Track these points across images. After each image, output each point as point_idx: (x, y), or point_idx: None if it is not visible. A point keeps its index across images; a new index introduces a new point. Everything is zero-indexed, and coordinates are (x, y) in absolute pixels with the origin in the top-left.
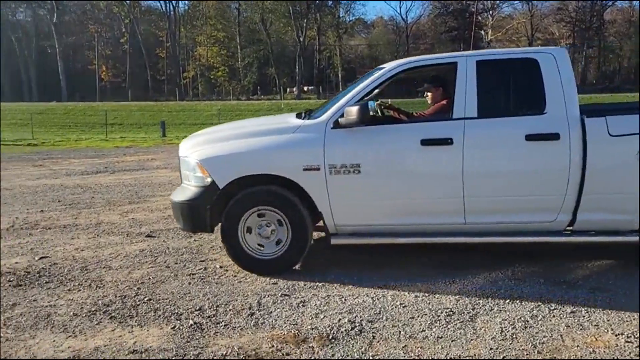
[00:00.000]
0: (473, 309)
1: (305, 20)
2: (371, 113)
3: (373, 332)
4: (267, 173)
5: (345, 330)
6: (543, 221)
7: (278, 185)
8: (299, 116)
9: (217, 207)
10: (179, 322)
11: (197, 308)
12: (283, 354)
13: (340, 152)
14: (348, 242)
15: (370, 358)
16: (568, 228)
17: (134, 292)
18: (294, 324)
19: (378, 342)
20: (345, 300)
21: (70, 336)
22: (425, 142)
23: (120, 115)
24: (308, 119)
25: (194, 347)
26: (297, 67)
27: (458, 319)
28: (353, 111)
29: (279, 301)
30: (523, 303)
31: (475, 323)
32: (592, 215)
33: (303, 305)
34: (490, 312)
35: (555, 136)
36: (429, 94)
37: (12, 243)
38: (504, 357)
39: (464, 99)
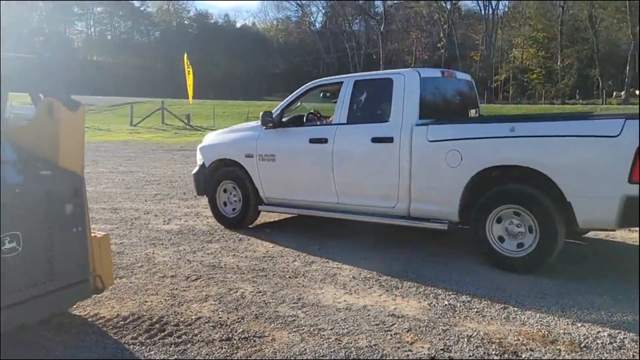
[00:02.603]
0: None
1: None
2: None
3: (634, 352)
4: (227, 158)
5: (602, 342)
6: (387, 207)
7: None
8: None
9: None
10: (435, 300)
11: (455, 292)
12: (527, 349)
13: (265, 145)
14: (270, 210)
15: None
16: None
17: (404, 269)
18: (546, 325)
19: None
20: (612, 315)
21: (347, 292)
22: (311, 141)
23: None
24: None
25: (444, 323)
26: (627, 67)
27: None
28: (260, 117)
29: (537, 301)
30: None
31: None
32: (422, 206)
33: (562, 310)
34: None
35: (390, 139)
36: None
37: None
38: None
39: (340, 109)
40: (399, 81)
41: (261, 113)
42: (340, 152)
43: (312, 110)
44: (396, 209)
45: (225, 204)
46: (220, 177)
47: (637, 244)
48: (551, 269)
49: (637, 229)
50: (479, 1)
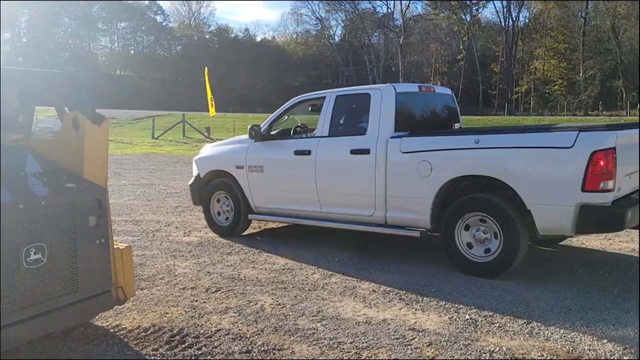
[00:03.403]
0: None
1: None
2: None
3: None
4: (220, 169)
5: None
6: (365, 215)
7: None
8: None
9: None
10: (456, 314)
11: (476, 306)
12: None
13: (254, 157)
14: (260, 219)
15: None
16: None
17: (424, 283)
18: (570, 341)
19: None
20: (638, 331)
21: (366, 306)
22: (296, 153)
23: None
24: None
25: (465, 338)
26: None
27: None
28: (248, 131)
29: (561, 316)
30: None
31: None
32: (398, 214)
33: (587, 326)
34: None
35: (367, 151)
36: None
37: None
38: None
39: (323, 122)
40: (376, 96)
41: (249, 127)
42: (322, 164)
43: (299, 123)
44: (374, 217)
45: (218, 213)
46: (214, 187)
47: None
48: (576, 282)
49: None
50: (500, 3)
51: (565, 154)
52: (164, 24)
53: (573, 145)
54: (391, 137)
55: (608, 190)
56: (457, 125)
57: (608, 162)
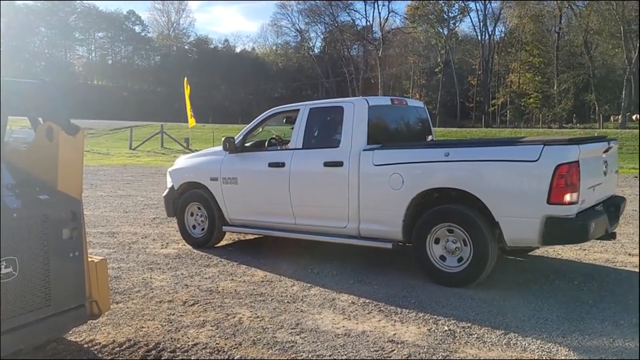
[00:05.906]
0: None
1: None
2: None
3: None
4: (194, 181)
5: None
6: (339, 227)
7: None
8: None
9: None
10: (435, 325)
11: (455, 317)
12: None
13: (228, 169)
14: (234, 230)
15: None
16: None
17: (403, 294)
18: (547, 352)
19: None
20: (613, 341)
21: (345, 318)
22: (270, 165)
23: None
24: None
25: (444, 349)
26: (623, 92)
27: None
28: (222, 142)
29: (538, 327)
30: None
31: None
32: (370, 226)
33: (563, 336)
34: None
35: (340, 163)
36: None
37: None
38: None
39: (297, 135)
40: (349, 109)
41: (223, 138)
42: (296, 176)
43: (274, 135)
44: (347, 229)
45: (193, 226)
46: (188, 199)
47: (637, 270)
48: (552, 293)
49: (637, 252)
50: (477, 17)
51: (531, 167)
52: (143, 34)
53: (538, 159)
54: (364, 150)
55: (572, 203)
56: (429, 138)
57: (572, 175)
